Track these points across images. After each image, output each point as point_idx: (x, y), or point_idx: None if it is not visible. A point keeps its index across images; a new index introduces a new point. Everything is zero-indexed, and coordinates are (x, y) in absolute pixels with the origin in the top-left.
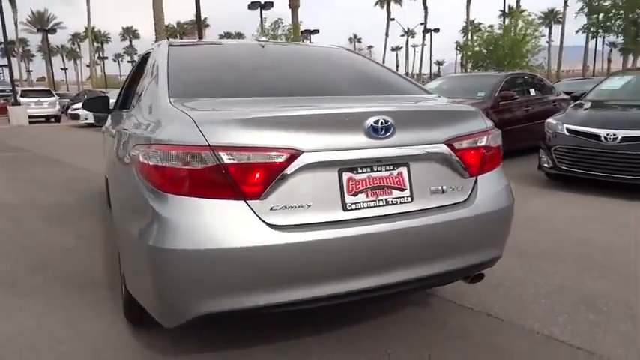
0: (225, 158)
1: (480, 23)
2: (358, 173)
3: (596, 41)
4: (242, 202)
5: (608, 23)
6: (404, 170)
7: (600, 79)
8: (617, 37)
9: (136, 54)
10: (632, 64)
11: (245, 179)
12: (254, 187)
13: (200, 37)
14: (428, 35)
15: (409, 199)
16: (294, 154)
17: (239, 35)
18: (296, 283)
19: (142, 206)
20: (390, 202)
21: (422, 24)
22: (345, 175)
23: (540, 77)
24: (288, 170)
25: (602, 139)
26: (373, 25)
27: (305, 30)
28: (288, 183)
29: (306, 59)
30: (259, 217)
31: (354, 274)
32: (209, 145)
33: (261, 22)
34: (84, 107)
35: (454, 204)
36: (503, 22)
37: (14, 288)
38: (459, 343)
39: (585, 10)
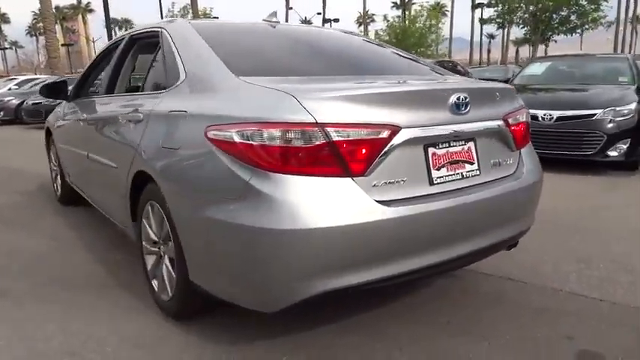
0: (334, 135)
1: (374, 14)
2: (439, 148)
3: (503, 32)
4: (349, 179)
5: (512, 15)
6: (472, 145)
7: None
8: (520, 27)
9: (6, 40)
10: (531, 53)
11: (352, 156)
12: (360, 163)
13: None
14: (327, 25)
15: (478, 172)
16: (394, 130)
17: (127, 22)
18: (396, 258)
19: (238, 189)
20: (465, 176)
21: (319, 14)
22: (430, 151)
23: (457, 63)
24: (389, 146)
25: (540, 119)
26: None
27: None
28: (388, 159)
29: (331, 39)
30: (366, 194)
31: (439, 247)
32: (317, 122)
33: (161, 7)
34: (41, 93)
35: (507, 176)
36: (403, 14)
37: (6, 297)
38: (500, 306)
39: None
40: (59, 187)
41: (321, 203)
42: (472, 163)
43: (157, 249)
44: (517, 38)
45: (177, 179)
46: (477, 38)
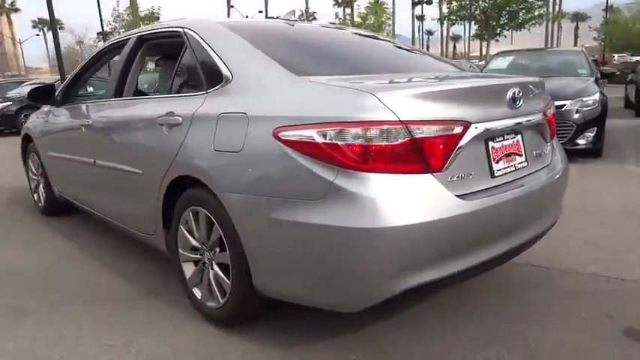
0: (416, 132)
1: (315, 12)
2: (496, 142)
3: (441, 29)
4: (429, 175)
5: (463, 12)
6: (520, 137)
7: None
8: (472, 24)
9: None
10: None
11: (432, 152)
12: (438, 159)
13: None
14: None
15: (526, 164)
16: (466, 126)
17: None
18: (471, 251)
19: (320, 190)
20: (516, 167)
21: (260, 12)
22: (490, 144)
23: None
24: (463, 141)
25: None
26: (213, 12)
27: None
28: (461, 154)
29: (356, 37)
30: (446, 189)
31: (505, 237)
32: (400, 120)
33: (99, 5)
34: (29, 98)
35: (545, 166)
36: (351, 11)
37: (29, 317)
38: (535, 292)
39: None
40: (42, 198)
41: (407, 200)
42: (520, 155)
43: (198, 256)
44: (471, 35)
45: (240, 183)
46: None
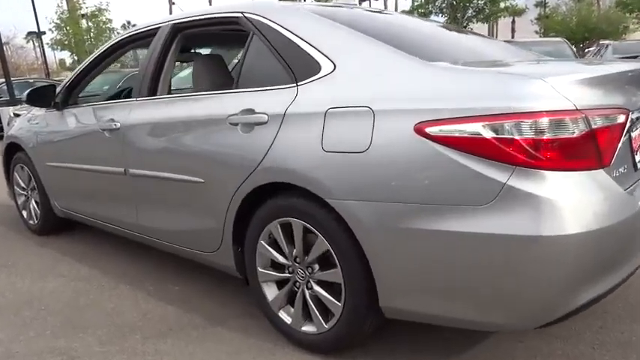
0: (593, 122)
1: None
2: (634, 131)
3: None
4: (601, 170)
5: (430, 5)
6: None
7: None
8: (439, 16)
9: None
10: None
11: (605, 145)
12: (608, 153)
13: None
14: None
15: None
16: (627, 114)
17: None
18: (635, 254)
19: (489, 193)
20: None
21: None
22: (631, 134)
23: None
24: (625, 132)
25: None
26: (153, 8)
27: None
28: (621, 146)
29: (424, 23)
30: (619, 187)
31: None
32: (578, 109)
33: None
34: (28, 101)
35: None
36: None
37: None
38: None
39: None
40: (34, 215)
41: (590, 201)
42: None
43: (286, 274)
44: None
45: (367, 189)
46: None
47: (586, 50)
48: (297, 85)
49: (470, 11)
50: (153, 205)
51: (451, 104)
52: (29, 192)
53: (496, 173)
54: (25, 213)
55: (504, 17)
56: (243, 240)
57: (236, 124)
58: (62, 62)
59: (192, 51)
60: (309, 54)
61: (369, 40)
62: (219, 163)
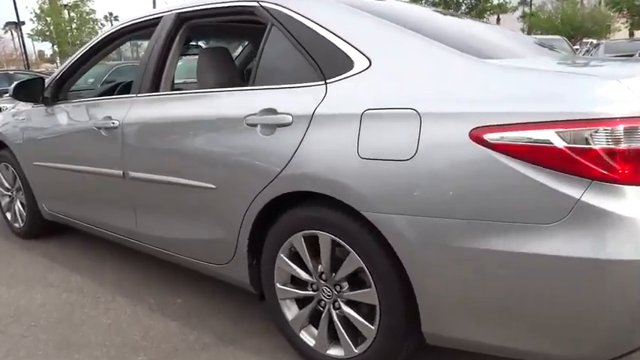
0: None
1: None
2: None
3: None
4: None
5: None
6: None
7: None
8: None
9: None
10: None
11: None
12: None
13: None
14: None
15: None
16: None
17: None
18: None
19: (558, 209)
20: None
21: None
22: None
23: None
24: None
25: None
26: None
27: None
28: None
29: (453, 17)
30: None
31: None
32: None
33: None
34: (15, 95)
35: None
36: None
37: None
38: None
39: None
40: (22, 218)
41: None
42: None
43: (310, 292)
44: None
45: (411, 201)
46: None
47: (574, 47)
48: (326, 83)
49: (463, 7)
50: (154, 211)
51: (515, 107)
52: (14, 193)
53: (568, 187)
54: (9, 215)
55: (491, 15)
56: (259, 252)
57: (254, 125)
58: (42, 54)
59: (198, 43)
60: (338, 48)
61: (409, 34)
62: (234, 168)
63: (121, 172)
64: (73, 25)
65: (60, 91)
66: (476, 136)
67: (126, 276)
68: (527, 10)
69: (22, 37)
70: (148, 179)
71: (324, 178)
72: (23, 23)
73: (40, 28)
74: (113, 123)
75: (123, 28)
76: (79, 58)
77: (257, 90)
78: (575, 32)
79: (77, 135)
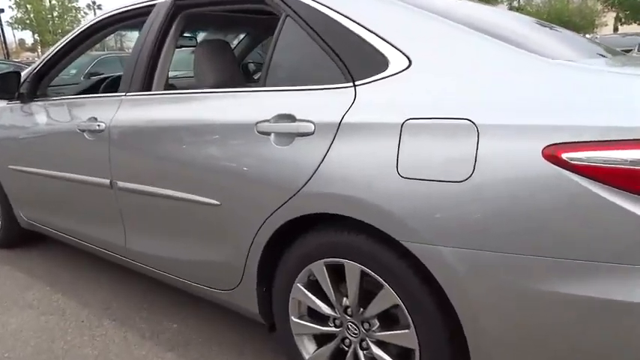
0: None
1: None
2: None
3: None
4: None
5: None
6: None
7: None
8: None
9: None
10: None
11: None
12: None
13: None
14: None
15: None
16: None
17: None
18: None
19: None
20: None
21: None
22: None
23: None
24: None
25: None
26: None
27: None
28: None
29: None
30: None
31: None
32: None
33: None
34: None
35: None
36: None
37: None
38: None
39: None
40: None
41: None
42: None
43: (331, 328)
44: None
45: (466, 231)
46: None
47: None
48: (355, 85)
49: None
50: (147, 227)
51: (602, 120)
52: None
53: None
54: None
55: None
56: (270, 279)
57: (267, 134)
58: (22, 42)
59: (197, 35)
60: (369, 44)
61: (460, 29)
62: (242, 183)
63: (108, 182)
64: (55, 14)
65: (38, 86)
66: (551, 154)
67: (115, 295)
68: (515, 4)
69: (1, 25)
70: (138, 190)
71: (355, 200)
72: (2, 11)
73: (19, 15)
74: (99, 125)
75: (110, 16)
76: (59, 50)
77: (270, 91)
78: (563, 27)
79: (57, 137)
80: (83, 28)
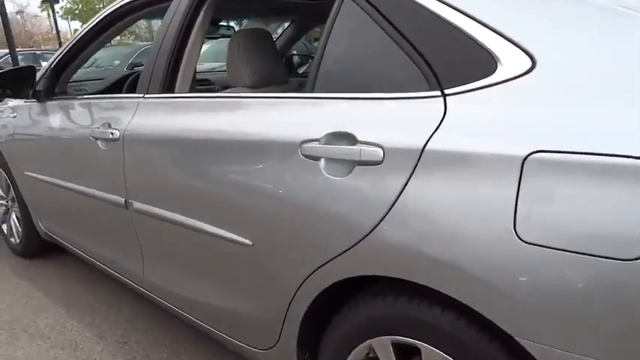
0: None
1: None
2: None
3: None
4: None
5: None
6: None
7: None
8: None
9: None
10: None
11: None
12: None
13: None
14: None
15: None
16: None
17: None
18: None
19: None
20: None
21: None
22: None
23: None
24: None
25: None
26: None
27: None
28: None
29: None
30: None
31: None
32: None
33: None
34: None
35: None
36: None
37: None
38: None
39: None
40: (16, 233)
41: None
42: None
43: None
44: None
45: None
46: None
47: None
48: (445, 95)
49: None
50: (166, 259)
51: None
52: (9, 203)
53: None
54: (4, 227)
55: None
56: (315, 342)
57: (316, 158)
58: (77, 32)
59: (228, 25)
60: (468, 35)
61: (612, 10)
62: (280, 222)
63: (123, 201)
64: (103, 4)
65: (56, 82)
66: None
67: (134, 329)
68: None
69: (54, 15)
70: (155, 215)
71: (444, 266)
72: (57, 1)
73: (69, 6)
74: (112, 133)
75: (129, 2)
76: (77, 41)
77: (320, 99)
78: None
79: (70, 144)
80: (100, 17)
